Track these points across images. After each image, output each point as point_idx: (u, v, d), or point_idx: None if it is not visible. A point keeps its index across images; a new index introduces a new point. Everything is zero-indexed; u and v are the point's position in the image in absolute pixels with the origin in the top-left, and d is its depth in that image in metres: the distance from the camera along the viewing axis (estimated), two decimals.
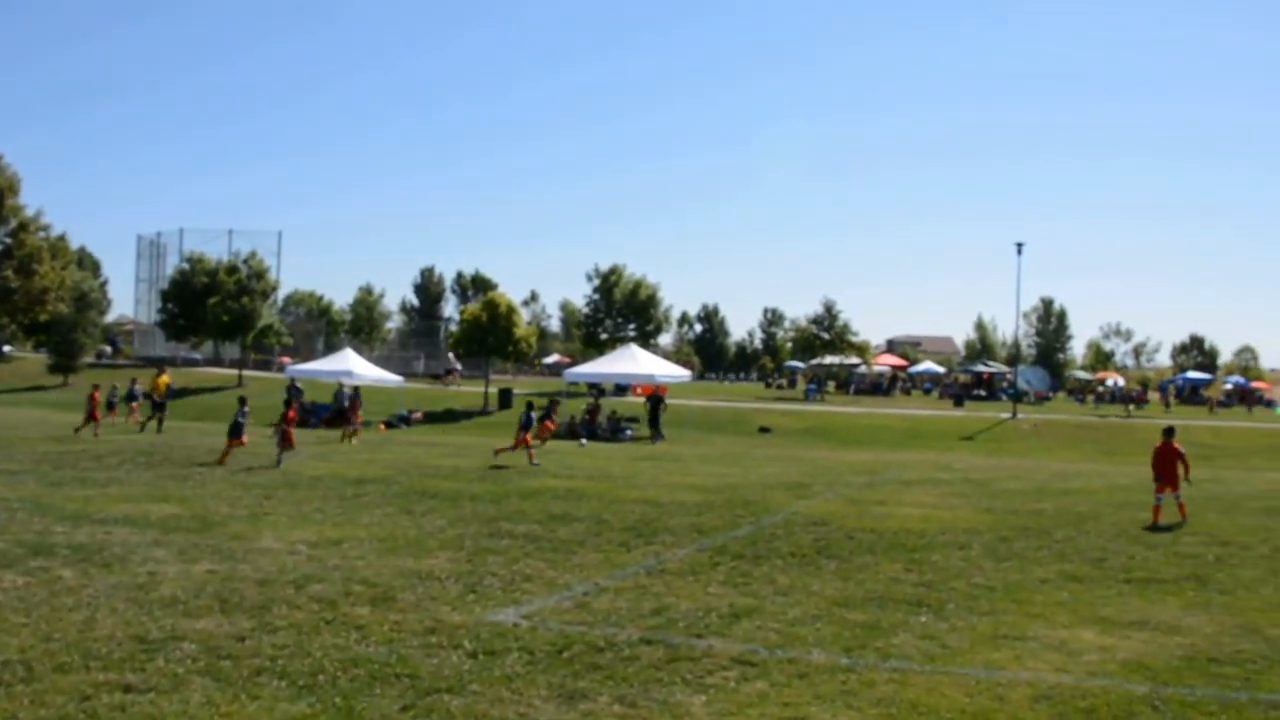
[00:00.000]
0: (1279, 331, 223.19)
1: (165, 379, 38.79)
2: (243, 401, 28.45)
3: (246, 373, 70.40)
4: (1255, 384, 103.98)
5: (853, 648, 9.73)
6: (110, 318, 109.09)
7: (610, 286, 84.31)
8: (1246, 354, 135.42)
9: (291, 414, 26.69)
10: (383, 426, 48.56)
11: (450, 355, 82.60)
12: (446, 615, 10.44)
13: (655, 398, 46.49)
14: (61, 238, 77.84)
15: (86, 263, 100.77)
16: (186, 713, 7.34)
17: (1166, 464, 19.89)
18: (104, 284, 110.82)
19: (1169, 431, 20.73)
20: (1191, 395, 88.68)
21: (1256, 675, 9.20)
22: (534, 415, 29.25)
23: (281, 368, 69.74)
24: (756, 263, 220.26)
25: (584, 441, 40.34)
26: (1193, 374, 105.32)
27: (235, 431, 26.69)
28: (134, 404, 41.52)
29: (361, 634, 9.58)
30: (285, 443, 25.91)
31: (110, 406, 40.02)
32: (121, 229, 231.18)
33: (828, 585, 12.69)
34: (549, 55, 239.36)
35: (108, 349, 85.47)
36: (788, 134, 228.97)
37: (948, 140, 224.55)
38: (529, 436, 28.44)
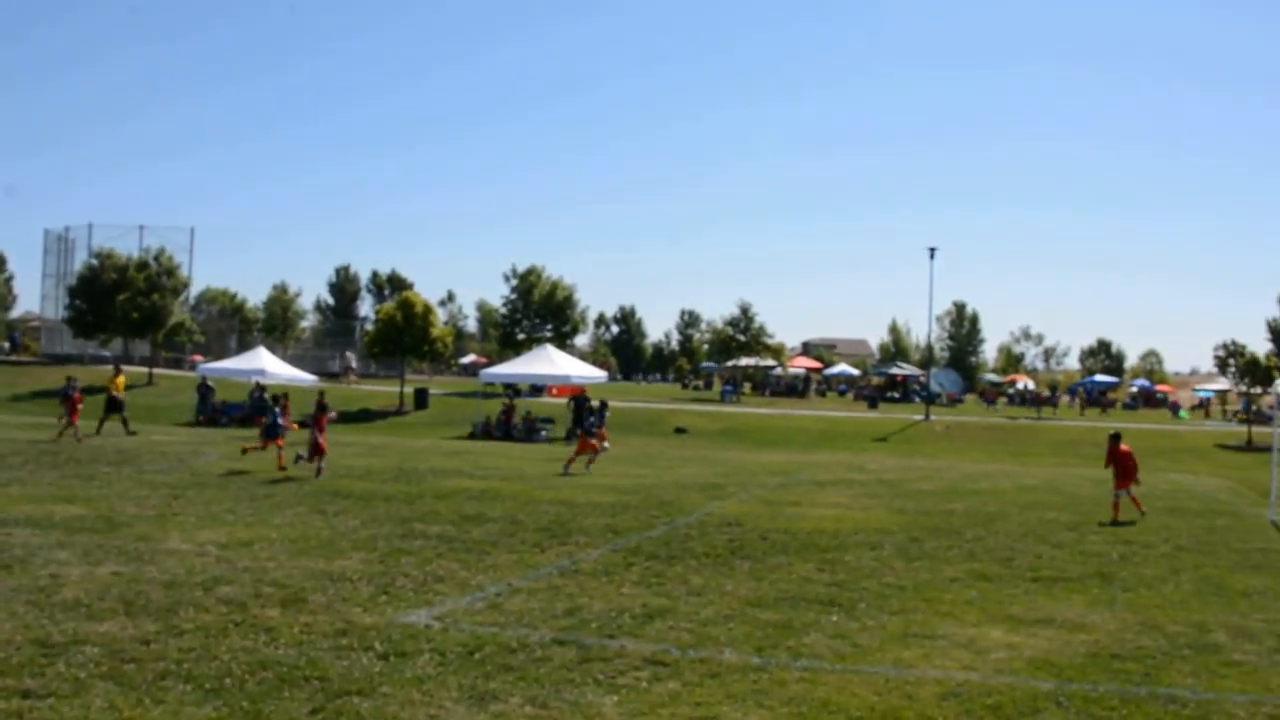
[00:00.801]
0: (1182, 336, 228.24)
1: (122, 378, 36.86)
2: (276, 399, 27.23)
3: (157, 370, 69.16)
4: (1160, 387, 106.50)
5: (765, 647, 9.78)
6: (15, 314, 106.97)
7: (528, 287, 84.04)
8: (1151, 358, 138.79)
9: (323, 420, 24.87)
10: (296, 426, 47.94)
11: (348, 353, 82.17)
12: (358, 617, 10.33)
13: (580, 398, 46.39)
14: None
15: None
16: (88, 718, 7.18)
17: (1122, 464, 21.10)
18: (9, 279, 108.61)
19: (1118, 437, 21.85)
20: (1100, 398, 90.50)
21: (1156, 670, 9.42)
22: (593, 421, 28.83)
23: (193, 366, 68.72)
24: (673, 265, 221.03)
25: (606, 445, 39.46)
26: (1100, 377, 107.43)
27: (273, 432, 25.65)
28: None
29: (271, 636, 9.45)
30: (317, 450, 24.29)
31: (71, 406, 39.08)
32: (28, 224, 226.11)
33: (741, 585, 12.76)
34: (464, 54, 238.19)
35: (5, 345, 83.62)
36: (703, 137, 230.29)
37: (865, 147, 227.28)
38: (596, 442, 28.19)
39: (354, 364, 79.93)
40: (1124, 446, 21.38)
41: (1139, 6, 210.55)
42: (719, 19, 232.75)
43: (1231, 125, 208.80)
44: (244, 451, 25.94)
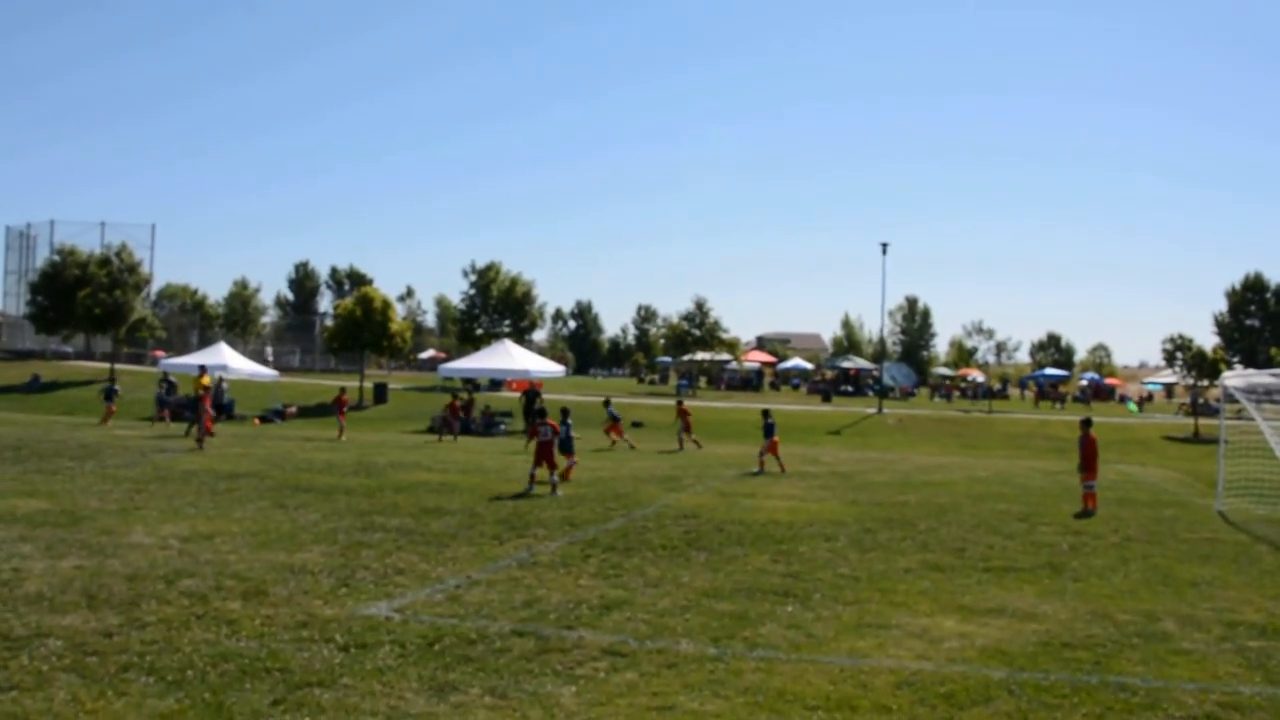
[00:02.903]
0: (1130, 329, 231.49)
1: (206, 379, 35.29)
2: (566, 414, 24.78)
3: (119, 366, 69.33)
4: (1109, 380, 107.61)
5: (721, 638, 9.86)
6: None
7: (487, 283, 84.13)
8: (1100, 351, 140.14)
9: (533, 429, 22.42)
10: (257, 420, 48.02)
11: (268, 348, 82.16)
12: (318, 609, 10.37)
13: (531, 392, 46.45)
14: None
15: None
16: (51, 710, 7.17)
17: (1087, 453, 21.44)
18: None
19: (1088, 423, 22.26)
20: (1050, 391, 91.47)
21: (1106, 659, 9.53)
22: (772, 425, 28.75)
23: (155, 361, 68.57)
24: (630, 261, 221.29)
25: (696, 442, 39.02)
26: (1050, 371, 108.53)
27: (567, 447, 24.29)
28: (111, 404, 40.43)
29: (232, 628, 9.47)
30: (552, 468, 21.79)
31: (161, 405, 38.62)
32: None
33: (697, 577, 12.84)
34: (427, 58, 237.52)
35: None
36: (662, 138, 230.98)
37: (817, 143, 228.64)
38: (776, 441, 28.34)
39: (269, 359, 79.97)
40: (1092, 434, 21.69)
41: (1084, 33, 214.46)
42: (684, 43, 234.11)
43: (1175, 137, 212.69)
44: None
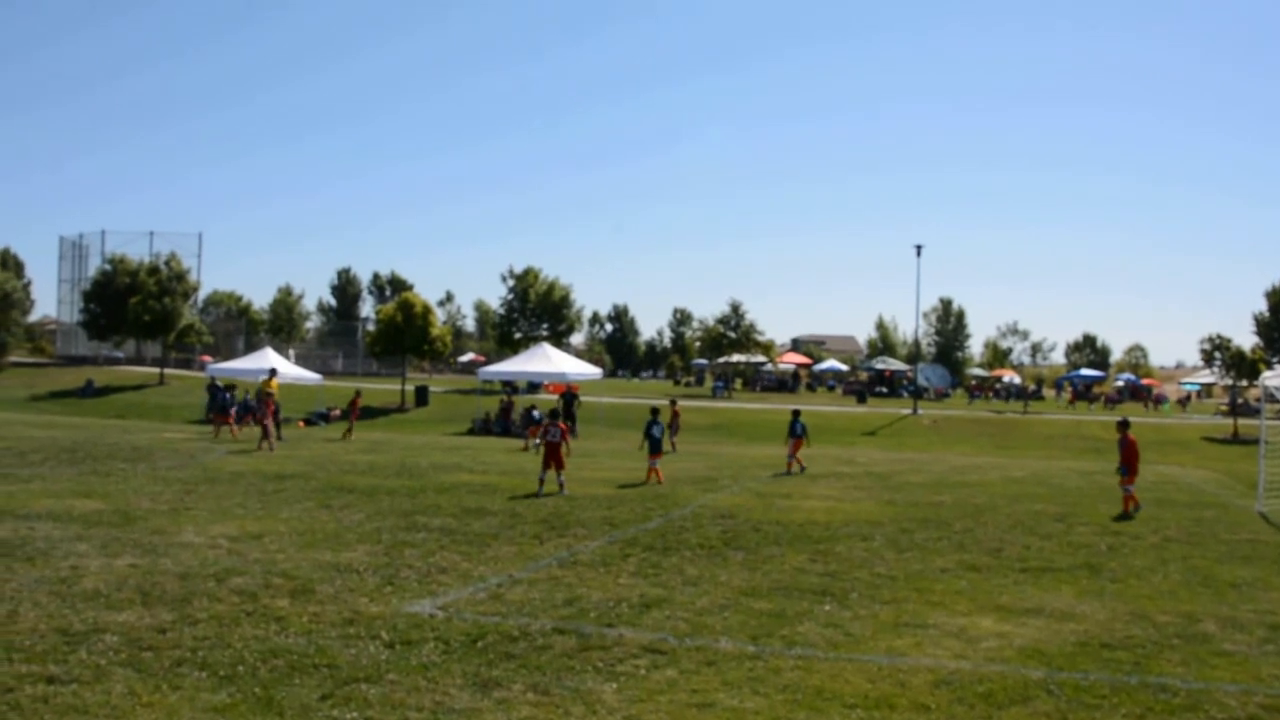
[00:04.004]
0: (1167, 330, 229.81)
1: (275, 383, 35.46)
2: (656, 413, 24.69)
3: (168, 371, 70.65)
4: (1145, 381, 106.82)
5: (759, 636, 9.91)
6: (33, 318, 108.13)
7: (526, 288, 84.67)
8: (1136, 352, 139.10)
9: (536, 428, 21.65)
10: (301, 424, 48.64)
11: (290, 351, 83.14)
12: (364, 606, 10.50)
13: (569, 394, 46.73)
14: None
15: (10, 263, 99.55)
16: (109, 703, 7.34)
17: (1128, 455, 21.17)
18: (27, 285, 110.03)
19: (1126, 424, 21.98)
20: (1085, 392, 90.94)
21: (1146, 660, 9.50)
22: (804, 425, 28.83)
23: (203, 366, 69.63)
24: (667, 265, 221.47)
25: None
26: (1086, 371, 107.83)
27: (656, 447, 24.73)
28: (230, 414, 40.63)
29: (281, 625, 9.62)
30: (559, 469, 21.48)
31: (239, 410, 39.00)
32: (45, 231, 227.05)
33: (735, 576, 12.91)
34: (464, 63, 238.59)
35: None
36: (700, 141, 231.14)
37: (852, 147, 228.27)
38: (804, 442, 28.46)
39: (292, 361, 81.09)
40: (1131, 436, 21.47)
41: (1116, 41, 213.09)
42: (719, 46, 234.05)
43: (1214, 143, 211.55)
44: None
